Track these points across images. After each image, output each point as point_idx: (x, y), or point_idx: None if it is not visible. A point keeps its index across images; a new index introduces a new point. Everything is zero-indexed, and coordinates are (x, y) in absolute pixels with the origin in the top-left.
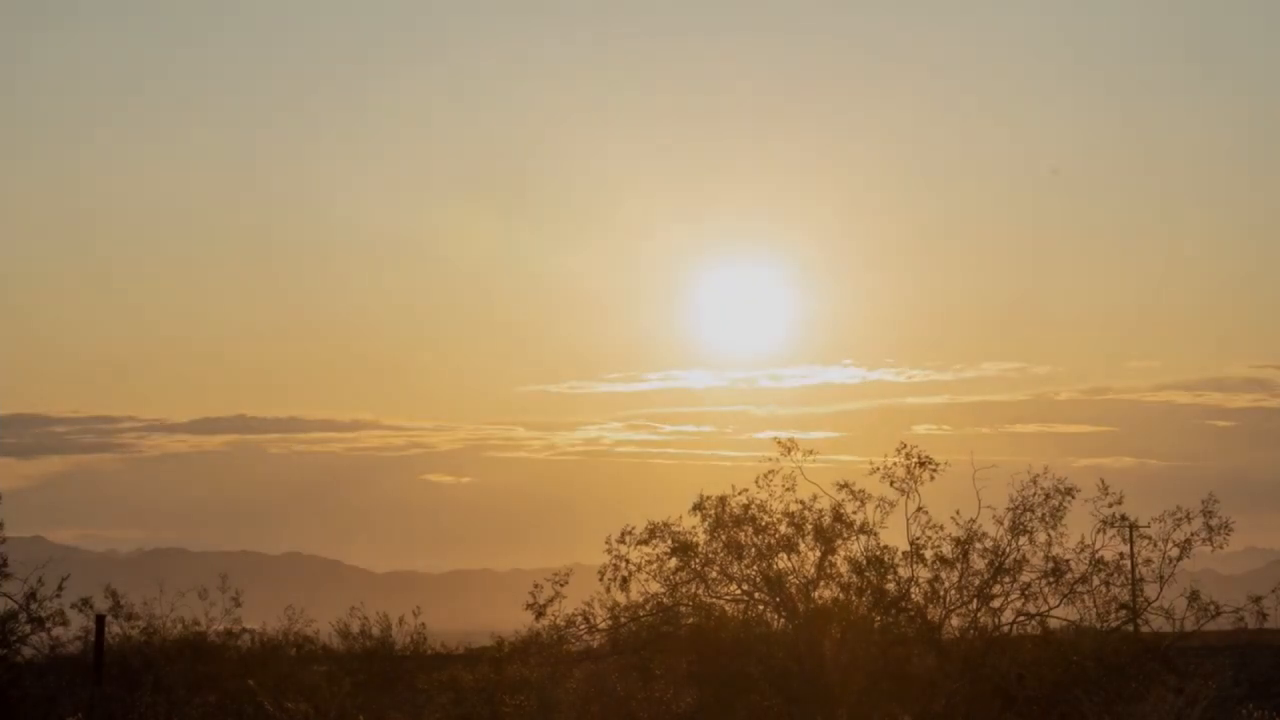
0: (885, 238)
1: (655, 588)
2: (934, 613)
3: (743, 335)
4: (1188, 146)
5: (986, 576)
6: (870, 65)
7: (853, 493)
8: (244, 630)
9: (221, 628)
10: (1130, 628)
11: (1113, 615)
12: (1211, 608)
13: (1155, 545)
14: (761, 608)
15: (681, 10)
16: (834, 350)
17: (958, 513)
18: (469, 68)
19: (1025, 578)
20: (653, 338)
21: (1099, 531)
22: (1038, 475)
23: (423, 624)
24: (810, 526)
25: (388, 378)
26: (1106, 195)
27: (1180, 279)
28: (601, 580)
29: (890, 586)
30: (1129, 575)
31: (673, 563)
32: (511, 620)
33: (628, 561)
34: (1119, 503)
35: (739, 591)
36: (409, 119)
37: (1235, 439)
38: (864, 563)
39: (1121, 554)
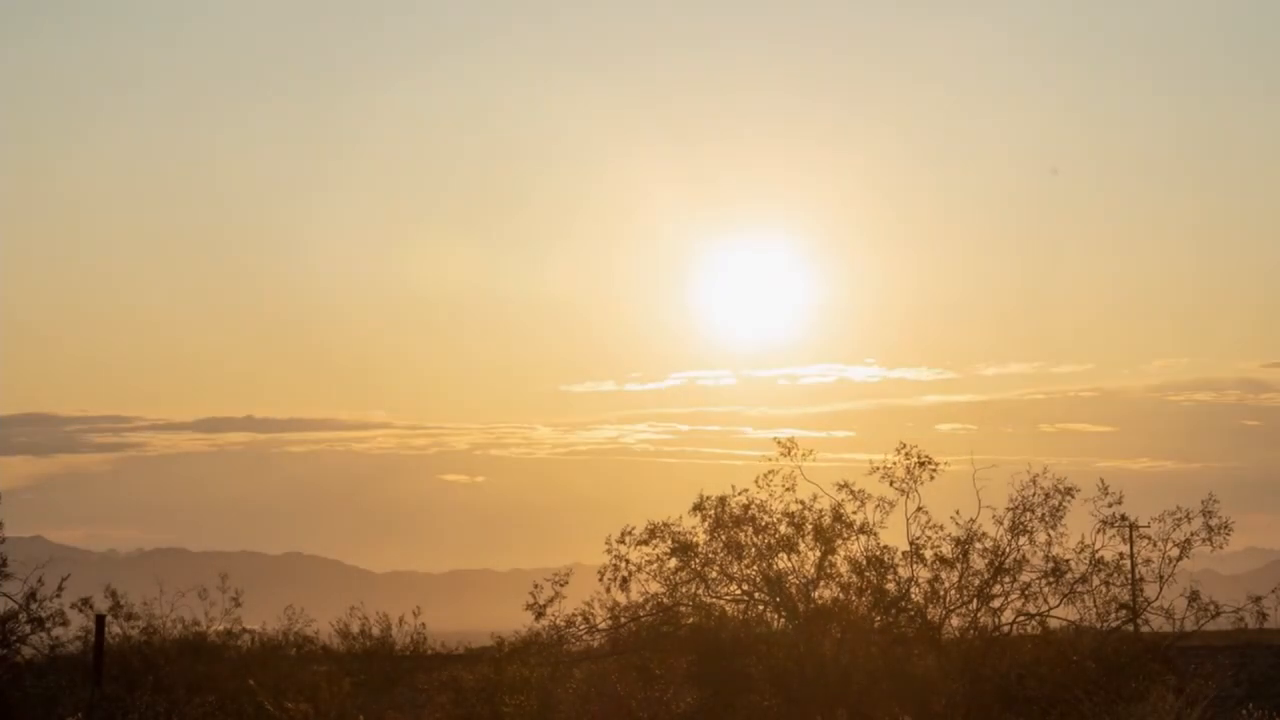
0: (907, 233)
1: (655, 588)
2: (934, 613)
3: (763, 330)
4: (1214, 142)
5: (986, 576)
6: (888, 52)
7: (852, 493)
8: (244, 630)
9: (221, 628)
10: (1130, 628)
11: (1113, 615)
12: (1211, 608)
13: (1155, 545)
14: (761, 608)
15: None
16: (854, 348)
17: (957, 513)
18: (468, 69)
19: (1025, 578)
20: (671, 336)
21: (1099, 531)
22: (1037, 475)
23: (423, 624)
24: (810, 526)
25: (401, 378)
26: (1133, 193)
27: (1205, 276)
28: (601, 580)
29: (890, 586)
30: (1129, 575)
31: (673, 563)
32: (511, 620)
33: (628, 561)
34: (1119, 503)
35: (739, 591)
36: (418, 119)
37: (1262, 438)
38: (864, 563)
39: (1121, 554)
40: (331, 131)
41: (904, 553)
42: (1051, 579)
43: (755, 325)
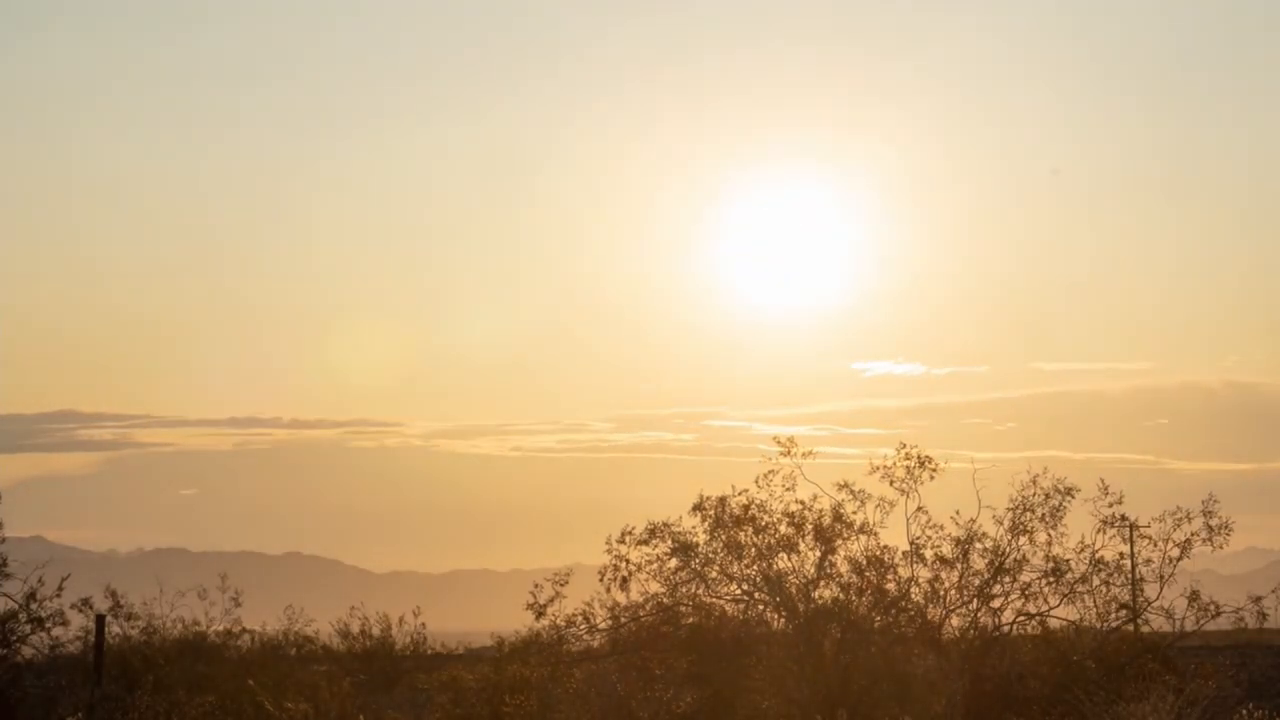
0: (969, 228)
1: (655, 588)
2: (934, 613)
3: (819, 327)
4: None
5: (986, 576)
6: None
7: (853, 493)
8: (244, 630)
9: (221, 628)
10: (1130, 628)
11: (1113, 615)
12: (1211, 608)
13: (1155, 545)
14: (761, 608)
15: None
16: (912, 344)
17: (957, 513)
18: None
19: (1025, 578)
20: (725, 333)
21: (1099, 531)
22: (1037, 475)
23: (423, 624)
24: (810, 526)
25: (408, 379)
26: (1206, 189)
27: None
28: (601, 580)
29: (890, 586)
30: (1129, 575)
31: (673, 563)
32: (511, 620)
33: (628, 561)
34: (1119, 502)
35: (739, 591)
36: (423, 115)
37: None
38: (864, 563)
39: (1121, 554)
40: (363, 132)
41: (904, 553)
42: (1051, 579)
43: (810, 321)
